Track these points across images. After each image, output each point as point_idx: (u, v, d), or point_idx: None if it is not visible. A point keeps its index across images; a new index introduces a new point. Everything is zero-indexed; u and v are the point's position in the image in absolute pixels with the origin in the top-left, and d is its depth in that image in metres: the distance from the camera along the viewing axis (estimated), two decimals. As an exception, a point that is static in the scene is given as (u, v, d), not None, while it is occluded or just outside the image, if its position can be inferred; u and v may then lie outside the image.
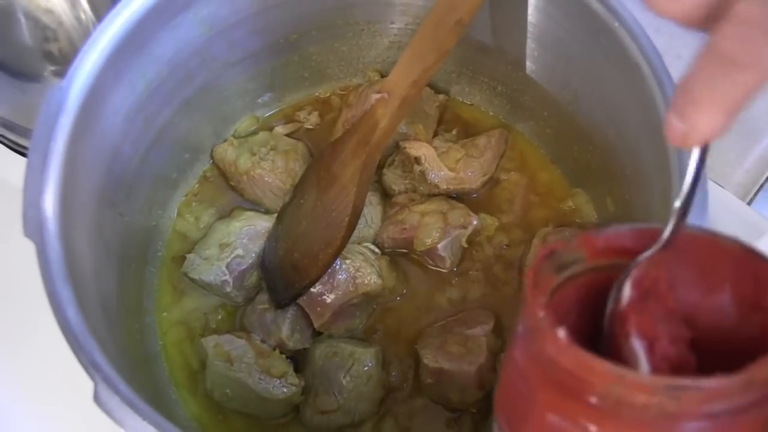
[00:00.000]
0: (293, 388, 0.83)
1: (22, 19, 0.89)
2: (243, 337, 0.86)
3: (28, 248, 0.66)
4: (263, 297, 0.90)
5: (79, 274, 0.69)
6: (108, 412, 0.61)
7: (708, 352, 0.46)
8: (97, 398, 0.61)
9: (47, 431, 0.89)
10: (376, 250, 0.92)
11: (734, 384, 0.39)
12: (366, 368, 0.85)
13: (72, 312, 0.64)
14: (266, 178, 0.94)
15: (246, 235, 0.91)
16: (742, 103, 0.43)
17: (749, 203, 1.04)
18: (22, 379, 0.91)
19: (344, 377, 0.84)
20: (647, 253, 0.48)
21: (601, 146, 0.87)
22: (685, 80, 0.44)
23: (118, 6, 0.74)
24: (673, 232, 0.48)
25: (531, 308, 0.44)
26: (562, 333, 0.41)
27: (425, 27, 0.82)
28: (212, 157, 0.98)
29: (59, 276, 0.65)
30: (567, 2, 0.79)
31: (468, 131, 1.00)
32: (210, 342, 0.85)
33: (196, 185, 0.98)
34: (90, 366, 0.62)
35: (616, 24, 0.74)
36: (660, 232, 0.48)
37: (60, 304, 0.64)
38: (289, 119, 1.02)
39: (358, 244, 0.91)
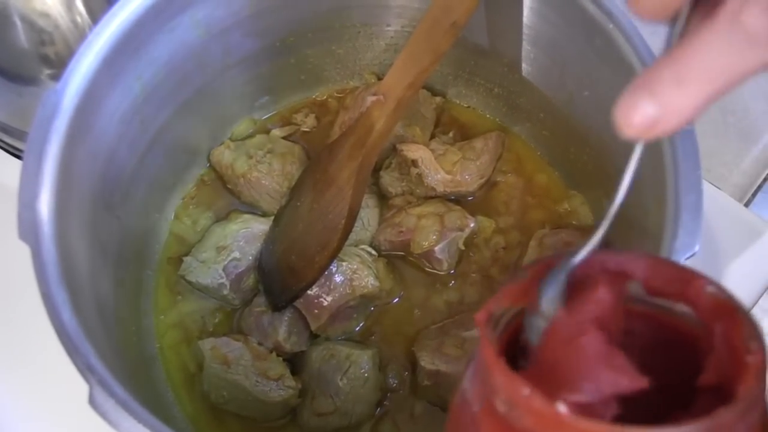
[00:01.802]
0: (290, 390, 0.83)
1: (18, 22, 0.89)
2: (240, 339, 0.86)
3: (24, 251, 0.66)
4: (260, 300, 0.90)
5: (74, 276, 0.69)
6: (103, 415, 0.61)
7: None
8: (92, 401, 0.61)
9: (42, 434, 0.89)
10: (373, 252, 0.92)
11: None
12: (363, 370, 0.85)
13: (67, 314, 0.64)
14: (263, 181, 0.94)
15: (243, 238, 0.91)
16: (734, 84, 0.39)
17: (746, 205, 1.04)
18: (17, 382, 0.91)
19: (341, 379, 0.84)
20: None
21: (597, 148, 0.87)
22: (672, 53, 0.39)
23: (114, 8, 0.74)
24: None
25: (507, 385, 0.40)
26: (563, 408, 0.39)
27: (421, 29, 0.82)
28: (209, 160, 0.98)
29: (54, 278, 0.65)
30: (562, 4, 0.79)
31: (465, 133, 1.00)
32: (207, 344, 0.85)
33: (193, 188, 0.98)
34: (85, 369, 0.62)
35: (611, 26, 0.74)
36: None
37: (55, 306, 0.64)
38: (285, 122, 1.02)
39: (355, 246, 0.92)
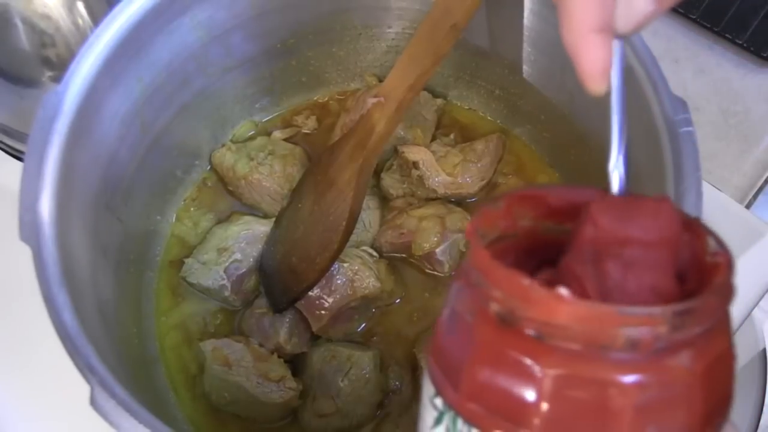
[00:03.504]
0: (291, 391, 0.83)
1: (19, 24, 0.89)
2: (241, 341, 0.86)
3: (25, 252, 0.66)
4: (261, 301, 0.90)
5: (75, 278, 0.69)
6: (104, 416, 0.61)
7: None
8: (93, 402, 0.61)
9: (43, 435, 0.89)
10: (374, 253, 0.92)
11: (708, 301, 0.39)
12: (364, 372, 0.85)
13: (68, 315, 0.64)
14: (264, 183, 0.94)
15: (244, 240, 0.91)
16: None
17: (747, 206, 1.04)
18: (18, 382, 0.91)
19: (342, 381, 0.84)
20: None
21: (597, 149, 0.87)
22: None
23: (115, 10, 0.74)
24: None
25: (506, 280, 0.41)
26: (565, 291, 0.39)
27: (421, 31, 0.83)
28: (210, 162, 0.99)
29: (55, 280, 0.65)
30: (562, 5, 0.79)
31: (466, 135, 1.01)
32: (208, 346, 0.85)
33: (195, 190, 0.99)
34: (86, 369, 0.62)
35: (611, 27, 0.74)
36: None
37: (56, 307, 0.64)
38: (286, 124, 1.03)
39: (356, 247, 0.92)
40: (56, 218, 0.68)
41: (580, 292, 0.42)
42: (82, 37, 0.92)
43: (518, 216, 0.49)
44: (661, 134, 0.70)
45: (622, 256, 0.43)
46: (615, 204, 0.46)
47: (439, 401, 0.45)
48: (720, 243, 0.44)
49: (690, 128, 0.68)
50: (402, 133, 0.95)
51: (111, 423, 0.61)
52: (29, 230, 0.66)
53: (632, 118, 0.76)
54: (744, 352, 1.00)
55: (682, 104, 0.70)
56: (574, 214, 0.46)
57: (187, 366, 0.89)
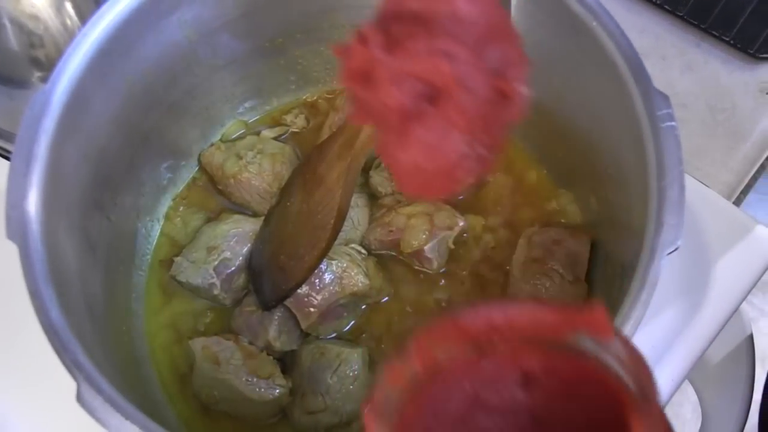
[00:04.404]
0: (280, 389, 0.84)
1: (8, 25, 0.89)
2: (231, 339, 0.87)
3: (12, 250, 0.66)
4: (251, 299, 0.90)
5: (63, 275, 0.69)
6: (91, 413, 0.61)
7: None
8: (80, 398, 0.62)
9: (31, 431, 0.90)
10: (363, 251, 0.92)
11: None
12: (353, 369, 0.85)
13: (55, 312, 0.64)
14: (253, 182, 0.94)
15: (233, 238, 0.91)
16: None
17: (735, 203, 1.04)
18: (6, 379, 0.91)
19: (331, 378, 0.84)
20: None
21: (585, 146, 0.87)
22: None
23: (102, 9, 0.74)
24: None
25: None
26: None
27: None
28: (200, 161, 0.99)
29: (42, 277, 0.65)
30: (547, 2, 0.80)
31: (454, 133, 1.00)
32: (198, 344, 0.86)
33: (184, 189, 0.99)
34: (73, 366, 0.62)
35: (594, 23, 0.74)
36: None
37: (43, 304, 0.64)
38: (276, 123, 1.03)
39: (345, 245, 0.92)
40: (43, 216, 0.68)
41: (364, 44, 0.43)
42: (71, 37, 0.91)
43: (434, 350, 0.48)
44: (643, 129, 0.70)
45: (414, 18, 0.44)
46: None
47: None
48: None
49: (672, 123, 0.69)
50: (391, 131, 0.95)
51: (98, 420, 0.61)
52: (15, 228, 0.67)
53: (615, 114, 0.77)
54: (730, 342, 1.01)
55: (664, 99, 0.70)
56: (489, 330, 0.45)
57: (177, 364, 0.89)
